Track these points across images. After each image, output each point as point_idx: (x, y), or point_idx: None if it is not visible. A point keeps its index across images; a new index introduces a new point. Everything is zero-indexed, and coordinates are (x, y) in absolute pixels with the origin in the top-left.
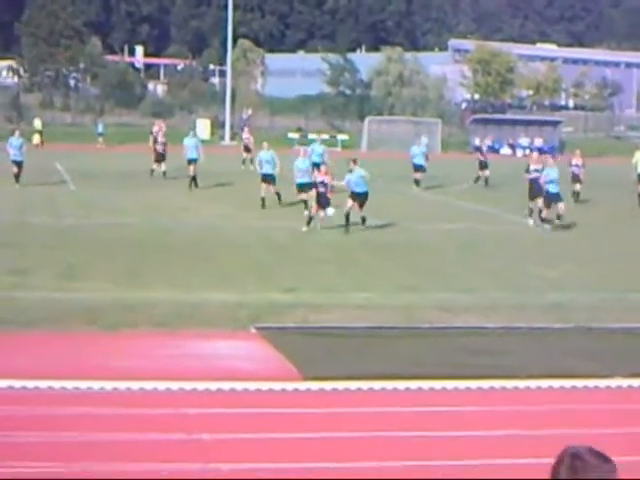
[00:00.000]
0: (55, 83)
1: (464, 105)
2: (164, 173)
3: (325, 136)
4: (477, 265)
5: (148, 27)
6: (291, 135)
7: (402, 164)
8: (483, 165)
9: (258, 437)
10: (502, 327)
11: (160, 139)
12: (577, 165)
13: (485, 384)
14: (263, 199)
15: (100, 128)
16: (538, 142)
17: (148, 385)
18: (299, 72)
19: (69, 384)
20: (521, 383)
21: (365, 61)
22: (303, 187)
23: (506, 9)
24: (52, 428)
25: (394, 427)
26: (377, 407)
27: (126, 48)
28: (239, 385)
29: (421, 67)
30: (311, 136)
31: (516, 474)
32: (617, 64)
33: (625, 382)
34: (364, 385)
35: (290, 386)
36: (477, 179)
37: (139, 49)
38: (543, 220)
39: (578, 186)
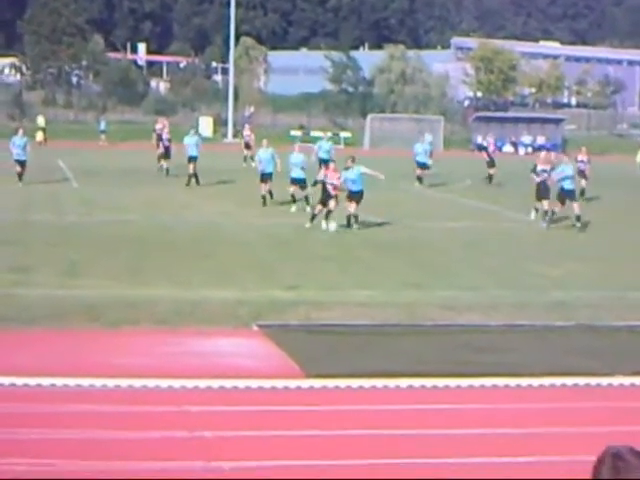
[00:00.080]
0: (57, 80)
1: (467, 103)
2: (167, 170)
3: (328, 134)
4: (480, 263)
5: (151, 24)
6: (294, 133)
7: (404, 162)
8: (490, 163)
9: (260, 435)
10: (504, 325)
11: (165, 136)
12: (583, 161)
13: (488, 382)
14: (264, 197)
15: (102, 125)
16: (541, 140)
17: (150, 383)
18: (302, 70)
19: (71, 381)
20: (523, 381)
21: (368, 59)
22: (296, 182)
23: (509, 7)
24: (54, 425)
25: (396, 425)
26: (379, 405)
27: (129, 45)
28: (241, 383)
29: (423, 65)
30: (314, 133)
31: (519, 472)
32: (620, 62)
33: (627, 380)
34: (366, 383)
35: (292, 384)
36: (490, 178)
37: (142, 46)
38: (552, 220)
39: (584, 182)
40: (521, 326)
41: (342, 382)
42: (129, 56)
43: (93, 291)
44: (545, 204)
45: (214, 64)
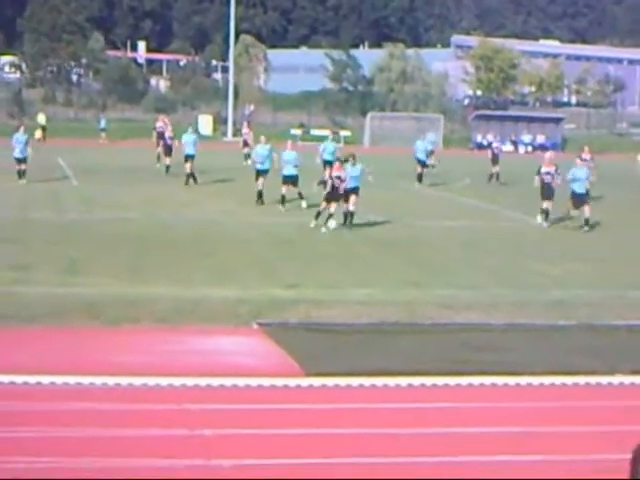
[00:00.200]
0: (57, 78)
1: (466, 101)
2: (167, 168)
3: (328, 132)
4: (479, 262)
5: (151, 22)
6: (294, 131)
7: (404, 160)
8: (495, 161)
9: (260, 433)
10: (504, 324)
11: (168, 134)
12: (586, 160)
13: (487, 381)
14: (260, 192)
15: (102, 123)
16: (540, 139)
17: (150, 381)
18: (302, 68)
19: (71, 379)
20: (523, 380)
21: (368, 57)
22: (288, 180)
23: (509, 5)
24: (54, 423)
25: (396, 423)
26: (379, 403)
27: (129, 43)
28: (241, 381)
29: (423, 63)
30: (314, 132)
31: (519, 471)
32: (620, 61)
33: (627, 379)
34: (366, 381)
35: (292, 382)
36: (497, 177)
37: (141, 44)
38: (570, 218)
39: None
40: (521, 325)
41: (342, 380)
42: (129, 54)
43: (93, 289)
44: (545, 204)
45: (214, 62)
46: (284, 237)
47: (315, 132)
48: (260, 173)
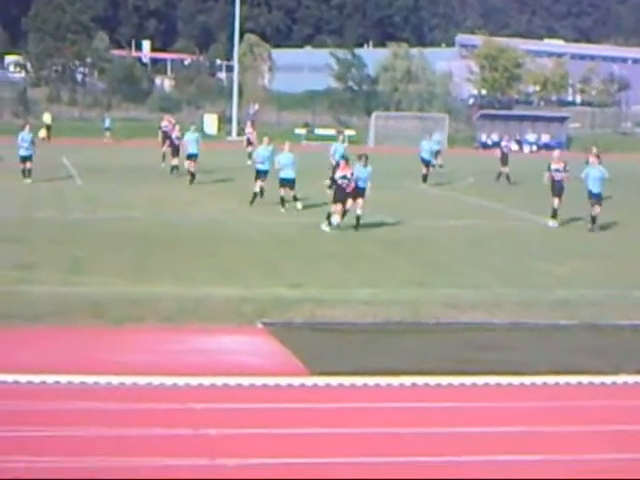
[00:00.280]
0: (62, 78)
1: (471, 101)
2: (172, 168)
3: (333, 131)
4: (483, 261)
5: (155, 22)
6: (298, 131)
7: (409, 159)
8: (504, 161)
9: (264, 432)
10: (508, 323)
11: (175, 134)
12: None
13: (491, 380)
14: (255, 194)
15: (107, 123)
16: (545, 138)
17: (154, 380)
18: (306, 67)
19: (75, 379)
20: (527, 379)
21: (372, 56)
22: (285, 182)
23: (513, 5)
24: (58, 423)
25: (400, 423)
26: (383, 403)
27: (133, 43)
28: (245, 380)
29: (427, 63)
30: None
31: (522, 471)
32: (624, 60)
33: (631, 378)
34: (370, 381)
35: (296, 381)
36: (507, 177)
37: (146, 44)
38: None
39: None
40: (525, 324)
41: (346, 380)
42: (134, 53)
43: (97, 288)
44: (556, 202)
45: (218, 61)
46: (288, 237)
47: (320, 131)
48: (259, 174)
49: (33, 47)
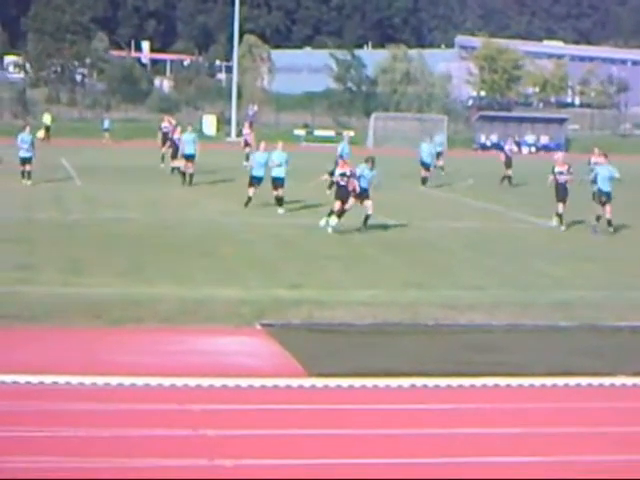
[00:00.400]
0: (61, 78)
1: (470, 102)
2: (172, 169)
3: (331, 133)
4: (483, 263)
5: (155, 23)
6: (297, 132)
7: (408, 161)
8: (508, 164)
9: (263, 433)
10: (507, 324)
11: (176, 136)
12: (597, 163)
13: (490, 382)
14: (250, 199)
15: (106, 124)
16: (544, 140)
17: (153, 381)
18: (305, 68)
19: (74, 379)
20: (526, 381)
21: (371, 58)
22: (277, 182)
23: (513, 6)
24: (56, 423)
25: (398, 424)
26: (381, 404)
27: (132, 44)
28: (244, 381)
29: (426, 65)
30: (318, 132)
31: (521, 472)
32: (624, 62)
33: (629, 380)
34: (369, 382)
35: (295, 382)
36: (509, 180)
37: (145, 44)
38: (598, 220)
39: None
40: (524, 326)
41: (344, 381)
42: (133, 54)
43: (96, 289)
44: (560, 207)
45: (218, 62)
46: (287, 238)
47: (319, 133)
48: (254, 180)
49: (32, 47)
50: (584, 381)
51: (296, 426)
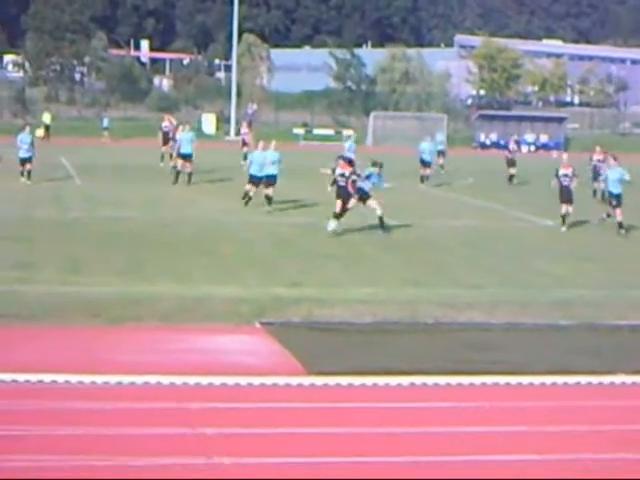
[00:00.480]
0: (60, 77)
1: (469, 101)
2: (172, 168)
3: (330, 131)
4: (482, 261)
5: (154, 21)
6: (296, 131)
7: (408, 160)
8: (511, 163)
9: (261, 432)
10: (506, 323)
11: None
12: (599, 160)
13: (489, 380)
14: (249, 197)
15: (105, 122)
16: (543, 138)
17: (152, 379)
18: (304, 67)
19: (73, 378)
20: (525, 379)
21: (371, 57)
22: (269, 179)
23: (512, 5)
24: (55, 422)
25: (397, 423)
26: (381, 402)
27: (132, 42)
28: (243, 380)
29: (425, 64)
30: (317, 131)
31: (520, 471)
32: (623, 61)
33: (629, 379)
34: (368, 380)
35: (294, 381)
36: (511, 178)
37: (145, 43)
38: (603, 223)
39: (603, 184)
40: (523, 324)
41: (344, 380)
42: (132, 53)
43: (96, 288)
44: (564, 208)
45: (217, 61)
46: (286, 236)
47: (318, 131)
48: (253, 179)
49: (31, 46)
50: (583, 379)
51: (295, 424)
